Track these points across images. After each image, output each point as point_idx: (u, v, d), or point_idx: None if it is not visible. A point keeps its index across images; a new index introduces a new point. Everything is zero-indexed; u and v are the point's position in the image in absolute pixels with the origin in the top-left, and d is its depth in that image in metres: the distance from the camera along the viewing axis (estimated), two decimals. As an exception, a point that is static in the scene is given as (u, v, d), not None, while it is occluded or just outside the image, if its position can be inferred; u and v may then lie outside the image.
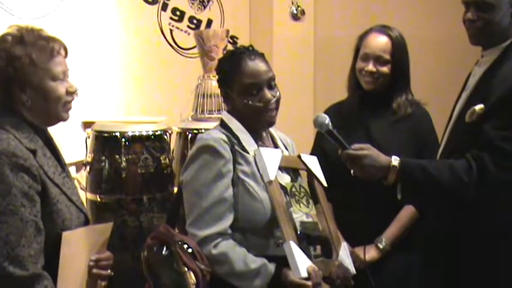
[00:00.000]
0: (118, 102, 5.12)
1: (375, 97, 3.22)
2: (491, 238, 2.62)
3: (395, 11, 5.51)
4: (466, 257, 2.67)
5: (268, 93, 2.59)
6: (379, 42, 3.19)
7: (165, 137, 3.99)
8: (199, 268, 2.36)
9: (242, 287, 2.44)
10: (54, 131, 2.50)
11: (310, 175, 2.70)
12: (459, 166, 2.59)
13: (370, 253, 3.09)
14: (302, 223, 2.52)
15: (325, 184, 2.70)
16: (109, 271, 2.50)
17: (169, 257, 2.39)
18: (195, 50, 4.60)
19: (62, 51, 2.40)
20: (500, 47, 2.69)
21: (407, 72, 3.26)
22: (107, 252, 2.51)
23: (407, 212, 3.15)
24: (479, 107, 2.62)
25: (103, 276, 2.49)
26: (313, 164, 2.72)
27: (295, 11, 5.37)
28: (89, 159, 3.91)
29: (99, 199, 3.86)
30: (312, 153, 3.21)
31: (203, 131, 3.89)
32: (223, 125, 2.65)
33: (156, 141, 3.93)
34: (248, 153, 2.56)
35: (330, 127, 2.64)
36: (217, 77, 2.73)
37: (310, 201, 2.60)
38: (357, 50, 3.26)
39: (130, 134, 3.86)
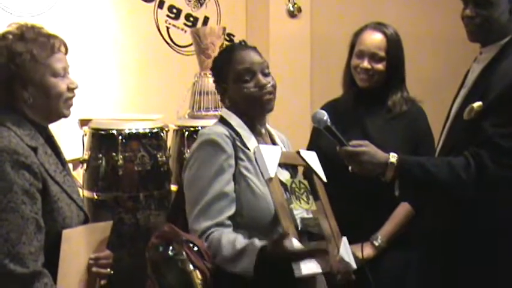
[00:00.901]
0: (115, 99, 5.12)
1: (370, 94, 3.23)
2: (490, 235, 2.62)
3: (392, 8, 5.52)
4: (464, 254, 2.66)
5: (262, 79, 2.59)
6: (374, 39, 3.20)
7: (162, 134, 3.98)
8: (207, 267, 2.36)
9: (235, 269, 2.37)
10: (52, 128, 2.50)
11: (309, 171, 2.70)
12: (457, 163, 2.59)
13: (366, 250, 3.08)
14: (302, 219, 2.51)
15: (324, 180, 2.69)
16: (108, 270, 2.50)
17: (175, 256, 2.38)
18: (192, 48, 4.59)
19: (62, 48, 2.41)
20: (499, 44, 2.69)
21: (402, 70, 3.26)
22: (106, 250, 2.52)
23: (403, 209, 3.15)
24: (477, 104, 2.62)
25: (102, 275, 2.49)
26: (313, 159, 2.72)
27: (291, 8, 5.37)
28: (86, 157, 3.90)
29: (95, 197, 3.86)
30: (307, 150, 3.22)
31: (200, 128, 3.90)
32: (223, 121, 2.65)
33: (153, 139, 3.93)
34: (249, 149, 2.56)
35: (329, 123, 2.64)
36: (213, 77, 2.73)
37: (310, 197, 2.59)
38: (352, 47, 3.27)
39: (127, 131, 3.85)
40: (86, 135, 3.97)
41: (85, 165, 3.91)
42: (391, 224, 3.16)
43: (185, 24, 5.37)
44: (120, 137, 3.81)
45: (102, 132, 3.88)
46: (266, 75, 2.62)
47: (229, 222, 2.47)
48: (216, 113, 3.99)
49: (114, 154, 3.81)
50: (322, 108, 3.20)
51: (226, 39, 4.59)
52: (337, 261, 2.53)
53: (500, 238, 2.63)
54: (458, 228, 2.67)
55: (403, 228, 3.15)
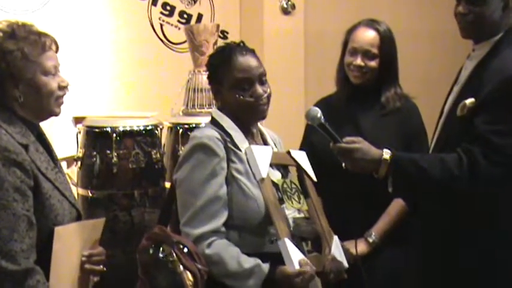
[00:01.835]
0: (109, 97, 5.11)
1: (363, 91, 3.23)
2: (488, 234, 2.63)
3: (386, 5, 5.52)
4: (462, 252, 2.67)
5: (259, 88, 2.58)
6: (367, 36, 3.20)
7: (156, 132, 3.98)
8: (198, 268, 2.36)
9: (236, 287, 2.44)
10: (44, 126, 2.51)
11: (300, 171, 2.70)
12: (450, 160, 2.59)
13: (360, 247, 3.08)
14: (295, 219, 2.53)
15: (314, 179, 2.70)
16: (101, 266, 2.50)
17: (165, 258, 2.38)
18: (186, 45, 4.58)
19: (53, 46, 2.41)
20: (492, 41, 2.69)
21: (395, 66, 3.26)
22: (99, 247, 2.52)
23: (396, 205, 3.16)
24: (470, 100, 2.62)
25: (95, 272, 2.49)
26: (303, 159, 2.73)
27: (285, 5, 5.37)
28: (80, 155, 3.90)
29: (90, 194, 3.86)
30: (301, 147, 3.23)
31: (194, 125, 3.90)
32: (214, 122, 2.65)
33: (147, 136, 3.92)
34: (240, 150, 2.56)
35: (322, 120, 2.64)
36: (207, 73, 2.72)
37: (301, 196, 2.60)
38: (345, 44, 3.27)
39: (121, 129, 3.85)
40: (80, 132, 3.96)
41: (79, 162, 3.91)
42: (385, 221, 3.16)
43: (179, 21, 5.36)
44: (114, 135, 3.80)
45: (96, 129, 3.88)
46: (263, 83, 2.61)
47: (224, 229, 2.48)
48: (210, 110, 3.99)
49: (108, 152, 3.80)
50: (316, 105, 3.19)
51: (220, 36, 4.59)
52: (329, 260, 2.54)
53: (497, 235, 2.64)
54: (455, 226, 2.67)
55: (397, 224, 3.16)
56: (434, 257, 2.76)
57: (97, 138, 3.86)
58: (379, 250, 3.16)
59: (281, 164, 2.68)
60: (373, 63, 3.17)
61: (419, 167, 2.61)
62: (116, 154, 3.80)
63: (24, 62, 2.31)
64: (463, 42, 2.86)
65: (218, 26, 4.34)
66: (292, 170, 2.75)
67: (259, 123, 2.74)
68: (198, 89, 4.15)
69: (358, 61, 3.17)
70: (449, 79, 2.94)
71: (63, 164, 4.14)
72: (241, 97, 2.57)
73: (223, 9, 5.47)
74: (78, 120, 4.19)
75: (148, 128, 3.93)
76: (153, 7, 5.27)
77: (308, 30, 5.48)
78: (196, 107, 4.16)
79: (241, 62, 2.59)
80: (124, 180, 3.83)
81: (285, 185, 2.57)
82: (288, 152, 2.72)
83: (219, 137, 2.54)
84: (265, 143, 2.72)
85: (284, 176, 2.66)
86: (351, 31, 3.25)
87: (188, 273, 2.33)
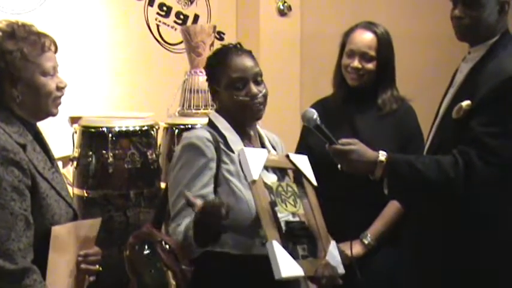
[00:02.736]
0: (105, 97, 5.11)
1: (360, 93, 3.23)
2: (487, 233, 2.63)
3: (382, 7, 5.53)
4: (460, 253, 2.67)
5: (254, 88, 2.60)
6: (365, 38, 3.20)
7: (152, 132, 3.99)
8: (180, 268, 2.37)
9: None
10: (42, 126, 2.51)
11: (299, 174, 2.70)
12: (446, 162, 2.60)
13: (355, 248, 3.08)
14: (287, 223, 2.51)
15: (315, 184, 2.69)
16: (97, 266, 2.51)
17: (151, 255, 2.39)
18: (182, 46, 4.59)
19: (52, 47, 2.41)
20: (487, 44, 2.70)
21: (392, 69, 3.26)
22: (95, 247, 2.52)
23: (392, 207, 3.15)
24: (466, 103, 2.63)
25: (91, 272, 2.50)
26: (303, 163, 2.71)
27: (281, 7, 5.37)
28: (76, 155, 3.91)
29: (86, 194, 3.86)
30: (297, 149, 3.23)
31: (190, 126, 3.91)
32: (210, 124, 2.67)
33: (143, 137, 3.93)
34: (234, 152, 2.56)
35: (318, 122, 2.65)
36: (204, 74, 2.74)
37: (298, 200, 2.58)
38: (343, 46, 3.26)
39: (117, 129, 3.86)
40: (76, 132, 3.97)
41: (75, 162, 3.92)
42: (381, 222, 3.16)
43: (175, 22, 5.36)
44: (110, 135, 3.81)
45: (92, 129, 3.89)
46: (258, 83, 2.62)
47: None
48: (206, 111, 4.00)
49: (104, 152, 3.81)
50: (312, 106, 3.19)
51: (216, 37, 4.60)
52: (322, 266, 2.52)
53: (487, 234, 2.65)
54: (451, 227, 2.68)
55: (393, 226, 3.16)
56: (434, 258, 2.76)
57: (93, 138, 3.87)
58: (375, 252, 3.16)
59: (278, 168, 2.68)
60: (370, 66, 3.18)
61: (415, 169, 2.62)
62: (111, 154, 3.81)
63: (23, 62, 2.31)
64: (459, 45, 2.87)
65: (215, 27, 4.36)
66: (290, 174, 2.75)
67: (258, 126, 2.74)
68: (194, 90, 4.16)
69: (356, 63, 3.17)
70: (444, 81, 2.94)
71: (59, 164, 4.14)
72: (236, 96, 2.59)
73: (219, 10, 5.48)
74: (74, 120, 4.19)
75: (144, 129, 3.94)
76: (149, 8, 5.28)
77: (304, 32, 5.49)
78: (192, 107, 4.17)
79: (236, 62, 2.61)
80: (120, 180, 3.84)
81: (279, 188, 2.56)
82: (287, 156, 2.72)
83: (210, 137, 2.55)
84: (263, 146, 2.72)
85: (280, 179, 2.65)
86: (348, 33, 3.26)
87: (169, 272, 2.35)
